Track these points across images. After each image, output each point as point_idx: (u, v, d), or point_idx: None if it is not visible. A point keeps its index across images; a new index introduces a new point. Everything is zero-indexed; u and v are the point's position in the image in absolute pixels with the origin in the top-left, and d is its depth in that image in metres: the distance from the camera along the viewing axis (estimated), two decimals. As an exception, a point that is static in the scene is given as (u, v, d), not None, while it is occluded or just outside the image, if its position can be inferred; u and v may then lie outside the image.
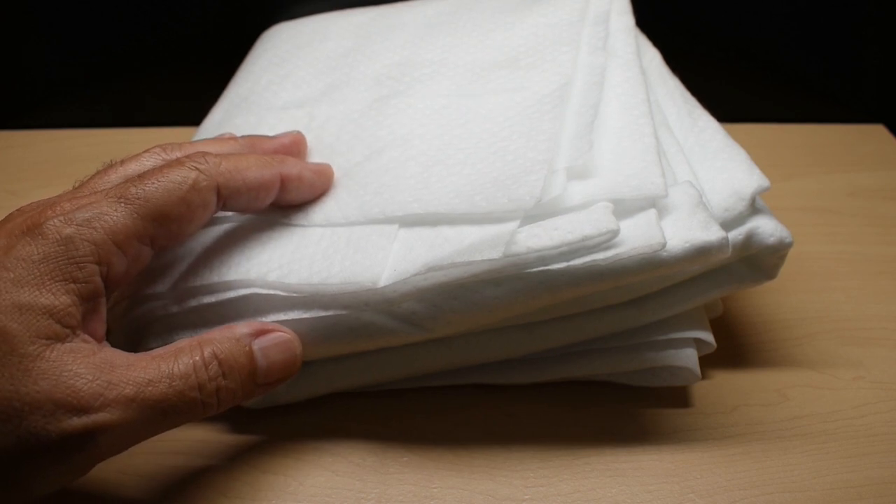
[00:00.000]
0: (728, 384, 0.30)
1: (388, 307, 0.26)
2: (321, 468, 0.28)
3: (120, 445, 0.22)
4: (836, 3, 0.50)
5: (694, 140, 0.31)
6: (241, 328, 0.25)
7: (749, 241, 0.27)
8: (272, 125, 0.33)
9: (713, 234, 0.25)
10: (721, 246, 0.25)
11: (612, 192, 0.26)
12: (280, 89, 0.35)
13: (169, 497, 0.27)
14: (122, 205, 0.23)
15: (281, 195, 0.28)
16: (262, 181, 0.27)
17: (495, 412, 0.29)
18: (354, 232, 0.27)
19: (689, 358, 0.28)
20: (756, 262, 0.28)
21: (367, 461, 0.28)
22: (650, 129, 0.28)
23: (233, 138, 0.29)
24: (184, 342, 0.24)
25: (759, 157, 0.29)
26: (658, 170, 0.26)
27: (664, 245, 0.24)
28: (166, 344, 0.27)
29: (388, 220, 0.27)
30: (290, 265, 0.26)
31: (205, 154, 0.26)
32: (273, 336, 0.25)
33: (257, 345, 0.24)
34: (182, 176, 0.24)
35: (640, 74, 0.31)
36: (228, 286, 0.27)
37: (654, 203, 0.26)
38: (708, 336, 0.28)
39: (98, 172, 0.26)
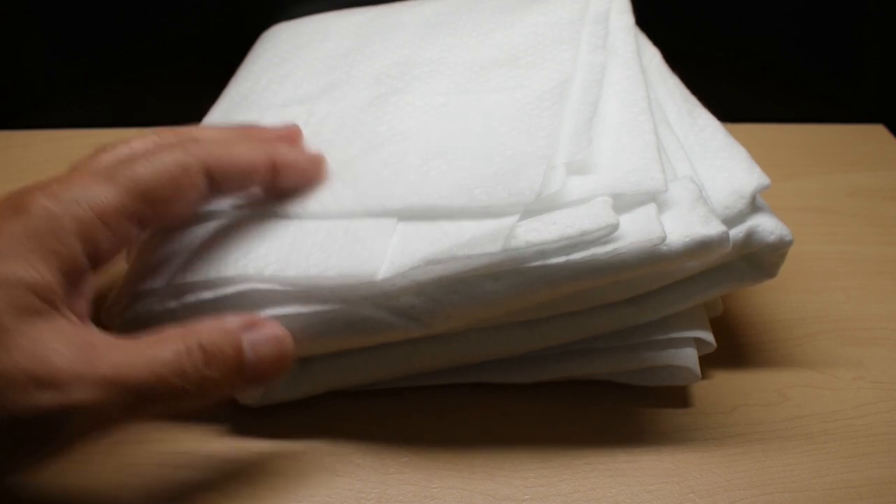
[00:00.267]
0: (728, 384, 0.30)
1: (386, 301, 0.26)
2: (321, 468, 0.28)
3: (96, 428, 0.21)
4: (836, 3, 0.50)
5: (694, 139, 0.31)
6: (233, 320, 0.24)
7: (749, 238, 0.27)
8: (271, 122, 0.33)
9: (713, 228, 0.25)
10: (721, 240, 0.25)
11: (611, 188, 0.26)
12: (280, 88, 0.36)
13: (168, 497, 0.26)
14: (111, 184, 0.23)
15: (273, 181, 0.28)
16: (252, 164, 0.26)
17: (495, 412, 0.29)
18: (352, 225, 0.27)
19: (688, 357, 0.28)
20: (756, 260, 0.28)
21: (367, 461, 0.28)
22: (650, 126, 0.28)
23: (228, 126, 0.29)
24: (172, 330, 0.23)
25: (760, 157, 0.29)
26: (658, 165, 0.26)
27: (664, 239, 0.24)
28: None
29: (387, 213, 0.27)
30: (288, 259, 0.26)
31: (196, 138, 0.26)
32: (264, 331, 0.24)
33: (247, 338, 0.24)
34: (172, 157, 0.24)
35: (639, 72, 0.32)
36: (226, 281, 0.27)
37: (654, 198, 0.26)
38: (708, 336, 0.28)
39: (90, 156, 0.26)
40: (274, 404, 0.29)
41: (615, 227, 0.24)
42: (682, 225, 0.25)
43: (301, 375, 0.29)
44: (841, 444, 0.28)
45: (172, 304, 0.27)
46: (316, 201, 0.28)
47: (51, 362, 0.20)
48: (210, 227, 0.28)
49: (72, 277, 0.22)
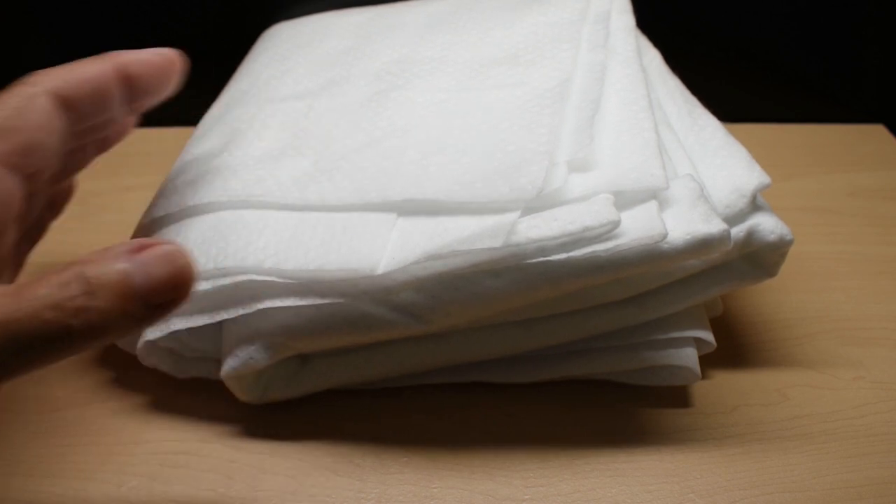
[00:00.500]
0: (728, 384, 0.30)
1: (386, 296, 0.26)
2: (321, 468, 0.28)
3: None
4: (836, 3, 0.50)
5: (694, 138, 0.31)
6: (120, 246, 0.22)
7: (750, 237, 0.27)
8: (270, 115, 0.33)
9: (714, 226, 0.25)
10: (722, 238, 0.25)
11: (612, 185, 0.26)
12: (280, 84, 0.36)
13: (168, 497, 0.26)
14: None
15: (133, 92, 0.26)
16: (98, 75, 0.25)
17: (495, 412, 0.29)
18: (352, 219, 0.27)
19: (688, 357, 0.28)
20: (757, 259, 0.28)
21: (367, 461, 0.28)
22: (650, 124, 0.28)
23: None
24: (56, 267, 0.22)
25: (760, 157, 0.29)
26: (658, 162, 0.26)
27: (665, 236, 0.24)
28: (164, 334, 0.27)
29: (386, 205, 0.27)
30: (287, 251, 0.26)
31: (35, 73, 0.25)
32: (154, 249, 0.22)
33: (135, 261, 0.21)
34: (11, 94, 0.24)
35: (640, 71, 0.32)
36: (224, 272, 0.26)
37: (655, 195, 0.26)
38: (708, 335, 0.28)
39: None
40: (274, 403, 0.29)
41: (616, 223, 0.24)
42: (683, 223, 0.25)
43: (300, 373, 0.29)
44: (841, 444, 0.28)
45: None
46: (316, 194, 0.28)
47: None
48: (209, 218, 0.28)
49: None
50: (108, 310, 0.21)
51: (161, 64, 0.27)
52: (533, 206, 0.26)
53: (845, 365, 0.31)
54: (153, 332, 0.27)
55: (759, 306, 0.34)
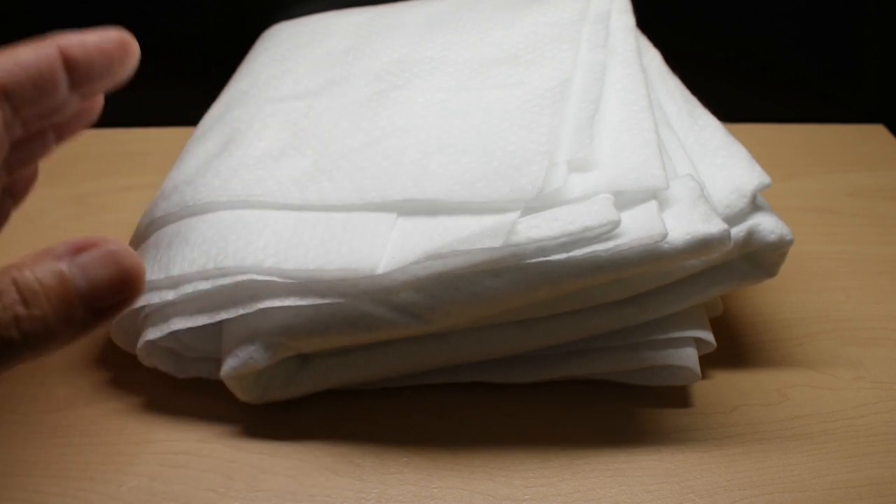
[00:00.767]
0: (728, 384, 0.30)
1: (386, 296, 0.26)
2: (321, 468, 0.28)
3: None
4: (836, 3, 0.50)
5: (694, 138, 0.31)
6: (58, 247, 0.20)
7: (750, 237, 0.27)
8: (270, 115, 0.33)
9: (715, 226, 0.25)
10: (722, 238, 0.25)
11: (612, 185, 0.26)
12: (280, 84, 0.36)
13: (168, 497, 0.26)
14: None
15: (74, 75, 0.24)
16: (38, 60, 0.23)
17: (495, 412, 0.29)
18: (352, 219, 0.27)
19: (688, 357, 0.28)
20: (757, 259, 0.28)
21: (367, 461, 0.28)
22: (650, 124, 0.28)
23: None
24: None
25: (760, 157, 0.29)
26: (658, 162, 0.26)
27: (665, 236, 0.24)
28: (164, 334, 0.27)
29: (386, 205, 0.27)
30: (287, 251, 0.26)
31: None
32: (95, 249, 0.20)
33: (75, 263, 0.20)
34: None
35: (639, 71, 0.32)
36: (224, 272, 0.26)
37: (655, 195, 0.26)
38: (708, 335, 0.28)
39: None
40: (274, 403, 0.29)
41: (616, 223, 0.24)
42: (683, 223, 0.25)
43: (300, 373, 0.29)
44: (841, 444, 0.28)
45: (170, 295, 0.27)
46: (315, 193, 0.28)
47: None
48: (209, 218, 0.28)
49: None
50: (47, 317, 0.20)
51: (107, 48, 0.25)
52: (533, 206, 0.26)
53: (845, 365, 0.31)
54: (153, 332, 0.27)
55: (759, 306, 0.34)
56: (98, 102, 0.28)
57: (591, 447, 0.28)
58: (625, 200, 0.26)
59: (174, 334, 0.28)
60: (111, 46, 0.26)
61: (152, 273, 0.27)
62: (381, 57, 0.36)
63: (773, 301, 0.35)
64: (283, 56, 0.38)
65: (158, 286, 0.27)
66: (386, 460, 0.28)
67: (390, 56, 0.35)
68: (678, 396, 0.30)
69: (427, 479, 0.27)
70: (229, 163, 0.30)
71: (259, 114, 0.33)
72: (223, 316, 0.27)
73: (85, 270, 0.20)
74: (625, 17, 0.36)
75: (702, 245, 0.25)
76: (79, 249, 0.20)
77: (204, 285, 0.27)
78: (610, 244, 0.25)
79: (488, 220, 0.25)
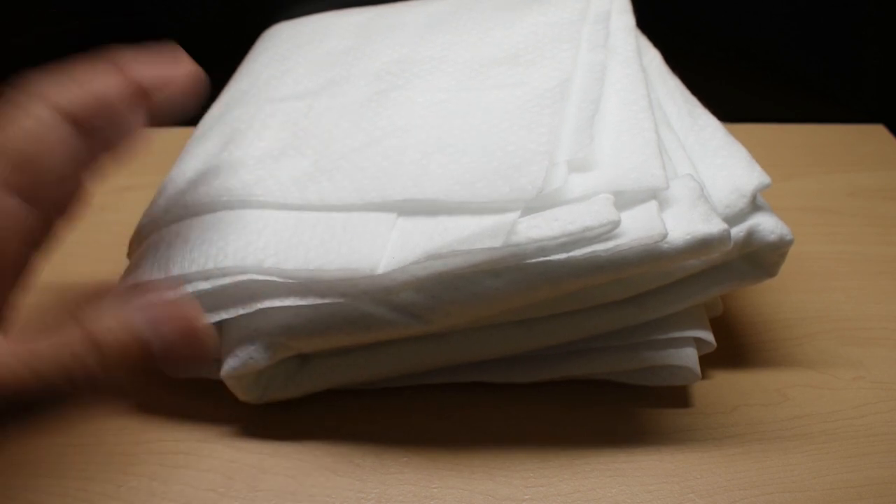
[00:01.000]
0: (728, 384, 0.30)
1: (386, 296, 0.26)
2: (321, 468, 0.28)
3: None
4: (836, 3, 0.50)
5: (694, 138, 0.31)
6: (134, 301, 0.21)
7: (750, 237, 0.27)
8: (270, 115, 0.33)
9: (715, 226, 0.25)
10: (722, 238, 0.25)
11: (612, 185, 0.26)
12: (280, 84, 0.36)
13: (168, 497, 0.26)
14: None
15: (149, 107, 0.25)
16: (115, 94, 0.24)
17: (495, 412, 0.29)
18: (352, 219, 0.27)
19: (688, 357, 0.28)
20: (757, 259, 0.28)
21: (367, 461, 0.28)
22: (650, 124, 0.28)
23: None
24: (67, 320, 0.21)
25: (760, 157, 0.29)
26: (658, 162, 0.26)
27: (665, 235, 0.24)
28: None
29: (386, 205, 0.27)
30: (287, 251, 0.26)
31: (43, 84, 0.23)
32: (169, 309, 0.21)
33: (148, 321, 0.21)
34: (26, 115, 0.22)
35: (639, 71, 0.32)
36: (224, 272, 0.26)
37: (655, 195, 0.26)
38: (708, 335, 0.28)
39: None
40: (274, 403, 0.29)
41: (617, 223, 0.24)
42: (683, 223, 0.25)
43: (300, 373, 0.29)
44: (841, 444, 0.28)
45: (170, 295, 0.27)
46: (315, 193, 0.28)
47: None
48: (209, 218, 0.28)
49: None
50: (116, 373, 0.21)
51: (175, 77, 0.26)
52: (533, 206, 0.26)
53: (845, 365, 0.31)
54: None
55: (759, 306, 0.34)
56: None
57: (591, 447, 0.28)
58: (625, 200, 0.26)
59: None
60: (178, 76, 0.26)
61: (152, 273, 0.27)
62: (381, 57, 0.36)
63: (773, 301, 0.35)
64: (283, 56, 0.38)
65: (159, 286, 0.27)
66: (386, 460, 0.28)
67: (390, 56, 0.35)
68: (678, 396, 0.30)
69: (427, 479, 0.27)
70: (229, 163, 0.30)
71: (259, 114, 0.33)
72: (223, 316, 0.27)
73: (158, 332, 0.21)
74: (625, 17, 0.36)
75: (702, 245, 0.25)
76: (149, 306, 0.21)
77: (204, 285, 0.27)
78: (610, 244, 0.25)
79: (488, 220, 0.25)
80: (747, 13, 0.52)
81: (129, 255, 0.31)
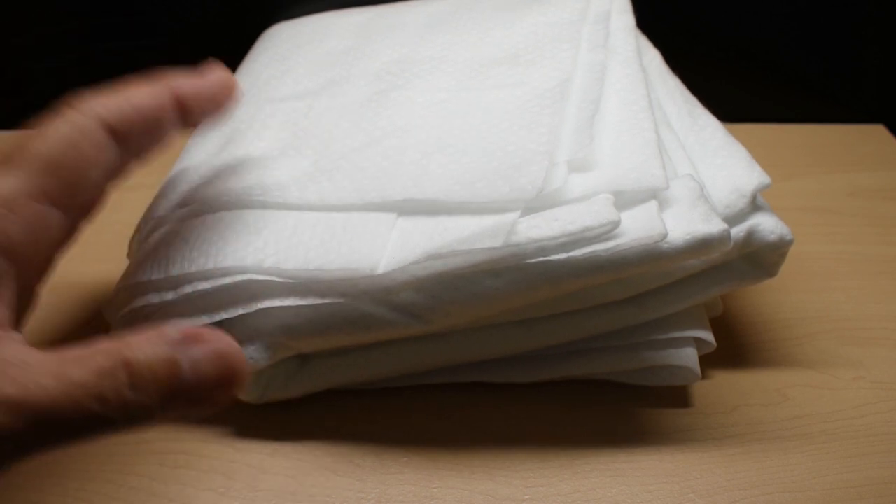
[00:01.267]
0: (728, 384, 0.30)
1: (386, 296, 0.26)
2: (321, 468, 0.28)
3: (2, 456, 0.19)
4: (836, 3, 0.50)
5: (694, 138, 0.31)
6: (171, 332, 0.20)
7: (750, 237, 0.27)
8: (270, 115, 0.33)
9: (715, 226, 0.25)
10: (722, 238, 0.25)
11: (612, 185, 0.26)
12: (280, 84, 0.36)
13: (168, 497, 0.26)
14: (5, 168, 0.21)
15: (185, 117, 0.25)
16: (153, 105, 0.24)
17: (495, 412, 0.29)
18: (352, 218, 0.27)
19: (688, 357, 0.28)
20: (757, 259, 0.28)
21: (367, 461, 0.28)
22: (650, 124, 0.28)
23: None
24: (103, 343, 0.20)
25: (760, 157, 0.29)
26: (658, 162, 0.26)
27: (665, 235, 0.24)
28: None
29: (386, 205, 0.27)
30: (287, 251, 0.26)
31: (85, 97, 0.23)
32: (208, 345, 0.20)
33: (186, 355, 0.20)
34: (63, 122, 0.22)
35: (639, 71, 0.32)
36: (224, 272, 0.26)
37: (655, 195, 0.26)
38: (708, 335, 0.28)
39: None
40: (274, 403, 0.29)
41: (617, 223, 0.24)
42: (683, 222, 0.25)
43: (300, 373, 0.29)
44: (841, 444, 0.28)
45: (170, 295, 0.27)
46: (315, 193, 0.28)
47: None
48: (209, 218, 0.28)
49: None
50: (152, 405, 0.20)
51: (217, 94, 0.26)
52: (533, 206, 0.26)
53: (845, 365, 0.31)
54: None
55: (759, 306, 0.34)
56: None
57: (591, 447, 0.28)
58: (625, 200, 0.26)
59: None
60: (220, 92, 0.26)
61: (152, 273, 0.27)
62: (381, 57, 0.36)
63: (773, 301, 0.35)
64: (283, 56, 0.38)
65: (158, 286, 0.27)
66: (386, 460, 0.28)
67: (390, 56, 0.35)
68: (678, 396, 0.30)
69: (427, 479, 0.27)
70: (229, 163, 0.30)
71: (259, 114, 0.33)
72: (223, 316, 0.27)
73: (194, 365, 0.20)
74: (625, 17, 0.36)
75: (702, 245, 0.25)
76: (190, 339, 0.20)
77: (204, 285, 0.27)
78: (610, 244, 0.25)
79: (488, 220, 0.25)
80: (747, 13, 0.52)
81: (129, 255, 0.31)
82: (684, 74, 0.36)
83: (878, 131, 0.48)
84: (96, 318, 0.34)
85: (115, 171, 0.24)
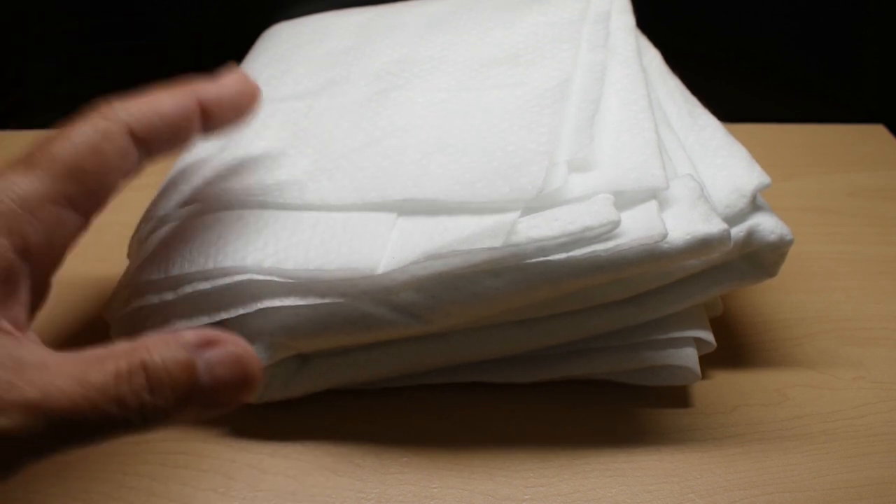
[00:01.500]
0: (728, 384, 0.30)
1: (386, 296, 0.26)
2: (321, 468, 0.28)
3: (21, 458, 0.19)
4: (836, 3, 0.50)
5: (694, 138, 0.31)
6: (188, 336, 0.20)
7: (750, 237, 0.27)
8: (270, 114, 0.33)
9: (714, 226, 0.25)
10: (722, 238, 0.25)
11: (612, 185, 0.26)
12: (280, 84, 0.36)
13: (168, 497, 0.26)
14: (28, 170, 0.21)
15: (206, 124, 0.25)
16: (178, 112, 0.24)
17: (495, 412, 0.29)
18: (351, 218, 0.27)
19: (688, 357, 0.28)
20: (757, 259, 0.28)
21: (367, 461, 0.28)
22: (650, 124, 0.28)
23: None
24: (120, 345, 0.20)
25: (760, 157, 0.29)
26: (658, 162, 0.26)
27: (665, 235, 0.24)
28: None
29: (386, 205, 0.27)
30: (287, 251, 0.26)
31: (112, 102, 0.23)
32: (223, 349, 0.20)
33: (202, 358, 0.20)
34: (89, 126, 0.22)
35: (639, 71, 0.32)
36: (224, 272, 0.26)
37: (655, 195, 0.26)
38: (708, 335, 0.28)
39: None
40: (274, 403, 0.29)
41: (617, 223, 0.24)
42: (683, 222, 0.25)
43: (300, 373, 0.29)
44: (841, 444, 0.28)
45: (170, 295, 0.27)
46: (315, 193, 0.28)
47: None
48: (209, 218, 0.28)
49: (2, 279, 0.20)
50: (166, 408, 0.20)
51: (240, 101, 0.26)
52: (533, 205, 0.26)
53: (845, 365, 0.31)
54: (153, 333, 0.27)
55: (759, 306, 0.34)
56: None
57: (591, 447, 0.28)
58: (625, 200, 0.26)
59: (174, 334, 0.28)
60: (244, 100, 0.26)
61: (152, 273, 0.27)
62: (381, 57, 0.36)
63: (773, 301, 0.35)
64: (283, 56, 0.38)
65: (158, 286, 0.27)
66: (386, 460, 0.28)
67: (390, 56, 0.35)
68: (678, 396, 0.30)
69: (427, 479, 0.27)
70: (229, 163, 0.30)
71: (259, 114, 0.33)
72: (223, 316, 0.27)
73: (210, 368, 0.20)
74: (625, 17, 0.36)
75: (702, 245, 0.25)
76: (205, 343, 0.20)
77: (204, 285, 0.27)
78: (610, 244, 0.25)
79: (488, 220, 0.25)
80: (747, 13, 0.52)
81: (129, 255, 0.31)
82: (684, 74, 0.36)
83: (878, 131, 0.48)
84: (96, 318, 0.34)
85: (132, 173, 0.24)
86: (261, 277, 0.26)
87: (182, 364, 0.20)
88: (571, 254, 0.25)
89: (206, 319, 0.27)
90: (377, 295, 0.26)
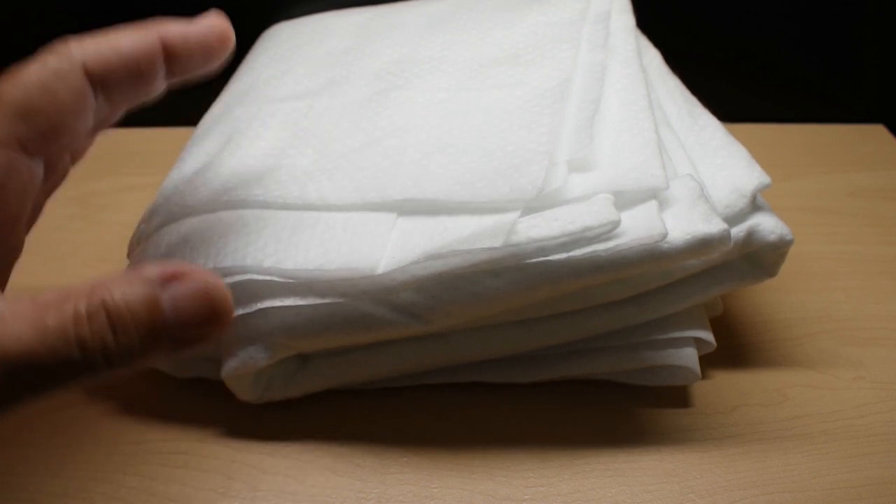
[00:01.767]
0: (728, 384, 0.30)
1: (386, 296, 0.26)
2: (321, 468, 0.28)
3: None
4: (836, 3, 0.50)
5: (694, 138, 0.31)
6: (150, 271, 0.19)
7: (750, 237, 0.27)
8: (270, 114, 0.33)
9: (715, 226, 0.25)
10: (722, 238, 0.25)
11: (612, 185, 0.26)
12: (280, 84, 0.36)
13: (168, 497, 0.27)
14: None
15: (171, 68, 0.23)
16: (137, 50, 0.22)
17: (495, 412, 0.29)
18: (351, 218, 0.27)
19: (688, 357, 0.28)
20: (757, 259, 0.28)
21: (367, 461, 0.28)
22: (650, 124, 0.28)
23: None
24: (79, 285, 0.19)
25: (760, 157, 0.29)
26: (658, 162, 0.26)
27: (665, 235, 0.24)
28: None
29: (386, 205, 0.27)
30: (287, 251, 0.26)
31: (68, 41, 0.22)
32: (189, 283, 0.19)
33: (167, 293, 0.19)
34: (38, 65, 0.21)
35: (639, 71, 0.32)
36: (224, 272, 0.26)
37: (655, 195, 0.26)
38: (708, 335, 0.28)
39: None
40: (273, 403, 0.29)
41: (617, 223, 0.24)
42: (683, 222, 0.25)
43: (300, 373, 0.29)
44: (841, 444, 0.28)
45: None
46: (315, 193, 0.28)
47: None
48: (209, 218, 0.28)
49: None
50: (133, 346, 0.19)
51: (209, 41, 0.24)
52: (533, 205, 0.26)
53: (845, 365, 0.31)
54: None
55: (759, 306, 0.34)
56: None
57: (591, 447, 0.28)
58: (625, 200, 0.26)
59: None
60: (212, 39, 0.25)
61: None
62: (381, 57, 0.36)
63: (773, 301, 0.35)
64: (283, 56, 0.38)
65: None
66: (386, 460, 0.28)
67: (390, 56, 0.35)
68: (678, 396, 0.30)
69: (427, 479, 0.27)
70: (229, 163, 0.30)
71: (259, 114, 0.33)
72: None
73: (175, 303, 0.19)
74: (625, 17, 0.36)
75: (702, 245, 0.25)
76: (169, 277, 0.19)
77: None
78: (610, 244, 0.25)
79: (488, 220, 0.25)
80: (747, 13, 0.52)
81: (129, 255, 0.31)
82: (684, 74, 0.36)
83: (878, 131, 0.48)
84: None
85: (100, 121, 0.23)
86: (261, 277, 0.26)
87: (145, 301, 0.19)
88: (571, 254, 0.25)
89: None
90: (377, 295, 0.26)
